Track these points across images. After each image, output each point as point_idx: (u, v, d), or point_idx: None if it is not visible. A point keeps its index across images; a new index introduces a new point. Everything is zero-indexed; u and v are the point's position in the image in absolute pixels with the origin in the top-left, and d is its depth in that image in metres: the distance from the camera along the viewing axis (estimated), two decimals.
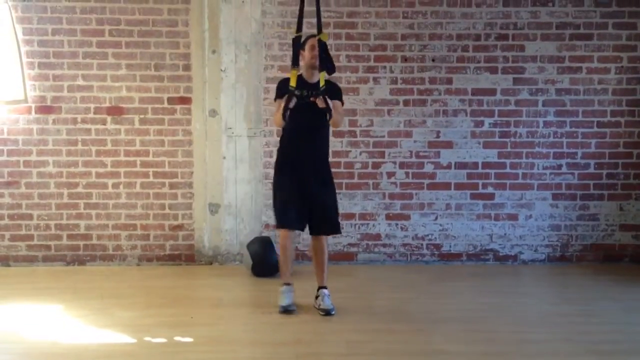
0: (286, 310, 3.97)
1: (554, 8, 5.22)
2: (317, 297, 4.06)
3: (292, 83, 3.88)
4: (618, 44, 5.24)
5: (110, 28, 5.13)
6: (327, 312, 3.96)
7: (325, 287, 4.08)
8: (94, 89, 5.17)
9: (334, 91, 4.00)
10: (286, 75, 5.12)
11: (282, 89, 3.98)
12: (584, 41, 5.24)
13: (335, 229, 4.12)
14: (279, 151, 4.15)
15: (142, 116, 5.21)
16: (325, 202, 4.05)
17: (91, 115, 5.19)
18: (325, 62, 3.88)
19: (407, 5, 5.20)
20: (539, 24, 5.23)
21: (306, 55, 3.97)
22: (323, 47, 3.87)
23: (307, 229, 4.16)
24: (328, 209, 4.06)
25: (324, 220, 4.06)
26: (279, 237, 4.16)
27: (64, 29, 5.12)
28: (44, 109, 5.16)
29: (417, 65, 5.25)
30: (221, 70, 5.19)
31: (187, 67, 5.19)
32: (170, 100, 5.21)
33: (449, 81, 5.26)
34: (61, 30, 5.12)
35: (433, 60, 5.25)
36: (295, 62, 3.96)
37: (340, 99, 4.07)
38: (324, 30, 3.99)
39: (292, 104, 3.86)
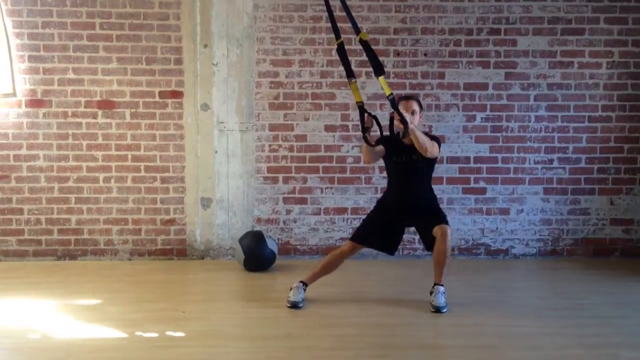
0: (294, 306, 3.95)
1: (545, 3, 5.23)
2: (431, 293, 4.02)
3: (357, 97, 3.58)
4: (609, 39, 5.26)
5: (101, 21, 5.10)
6: (437, 309, 3.91)
7: (439, 284, 4.00)
8: (85, 82, 5.14)
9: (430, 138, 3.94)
10: (277, 69, 5.19)
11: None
12: (575, 36, 5.25)
13: (439, 221, 3.97)
14: (385, 193, 4.23)
15: (133, 110, 5.18)
16: (428, 217, 4.02)
17: (82, 109, 5.16)
18: (375, 63, 3.59)
19: None
20: (531, 18, 5.23)
21: (401, 114, 3.70)
22: (367, 46, 3.55)
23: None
24: (430, 214, 4.04)
25: (428, 225, 4.00)
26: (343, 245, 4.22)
27: (54, 21, 5.08)
28: (34, 103, 5.13)
29: (409, 59, 5.24)
30: (213, 64, 5.17)
31: (178, 61, 5.17)
32: (162, 94, 5.19)
33: (441, 75, 5.26)
34: (51, 23, 5.08)
35: (425, 54, 5.25)
36: (349, 73, 3.60)
37: (435, 141, 3.94)
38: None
39: (368, 122, 3.60)
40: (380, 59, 5.14)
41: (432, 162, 4.05)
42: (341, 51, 3.60)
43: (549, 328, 3.65)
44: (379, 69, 3.56)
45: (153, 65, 5.16)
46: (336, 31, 3.59)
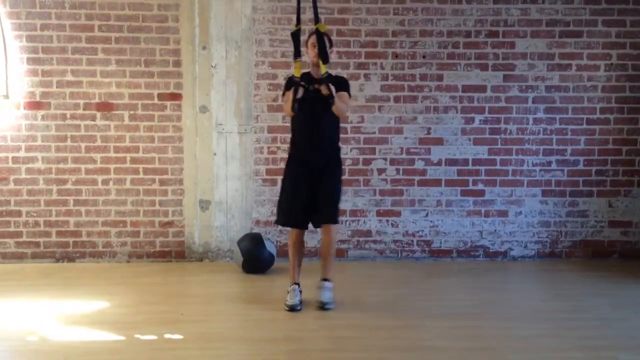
0: (292, 309, 3.96)
1: (544, 5, 5.24)
2: (318, 288, 4.04)
3: (297, 74, 3.95)
4: (607, 41, 5.27)
5: (100, 23, 5.11)
6: (322, 305, 3.96)
7: (326, 280, 4.06)
8: (84, 84, 5.14)
9: (339, 83, 4.04)
10: (276, 71, 5.20)
11: (289, 82, 4.05)
12: (573, 38, 5.26)
13: (329, 219, 4.05)
14: (290, 143, 4.20)
15: (132, 112, 5.18)
16: (325, 193, 4.04)
17: (80, 111, 5.16)
18: (322, 52, 3.90)
19: (397, 1, 5.20)
20: (529, 21, 5.24)
21: (309, 52, 4.03)
22: (321, 37, 3.90)
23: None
24: (326, 199, 4.04)
25: (321, 210, 4.05)
26: (289, 236, 4.19)
27: (53, 24, 5.08)
28: (33, 105, 5.12)
29: (407, 61, 5.25)
30: (211, 66, 5.18)
31: (177, 63, 5.17)
32: (161, 97, 5.19)
33: (440, 78, 5.27)
34: (50, 25, 5.08)
35: (424, 56, 5.26)
36: (297, 54, 3.97)
37: (346, 90, 4.07)
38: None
39: (299, 94, 3.93)
40: (379, 61, 5.27)
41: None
42: (295, 36, 3.98)
43: (548, 330, 3.65)
44: (324, 59, 3.90)
45: (152, 68, 5.16)
46: (298, 17, 3.99)
